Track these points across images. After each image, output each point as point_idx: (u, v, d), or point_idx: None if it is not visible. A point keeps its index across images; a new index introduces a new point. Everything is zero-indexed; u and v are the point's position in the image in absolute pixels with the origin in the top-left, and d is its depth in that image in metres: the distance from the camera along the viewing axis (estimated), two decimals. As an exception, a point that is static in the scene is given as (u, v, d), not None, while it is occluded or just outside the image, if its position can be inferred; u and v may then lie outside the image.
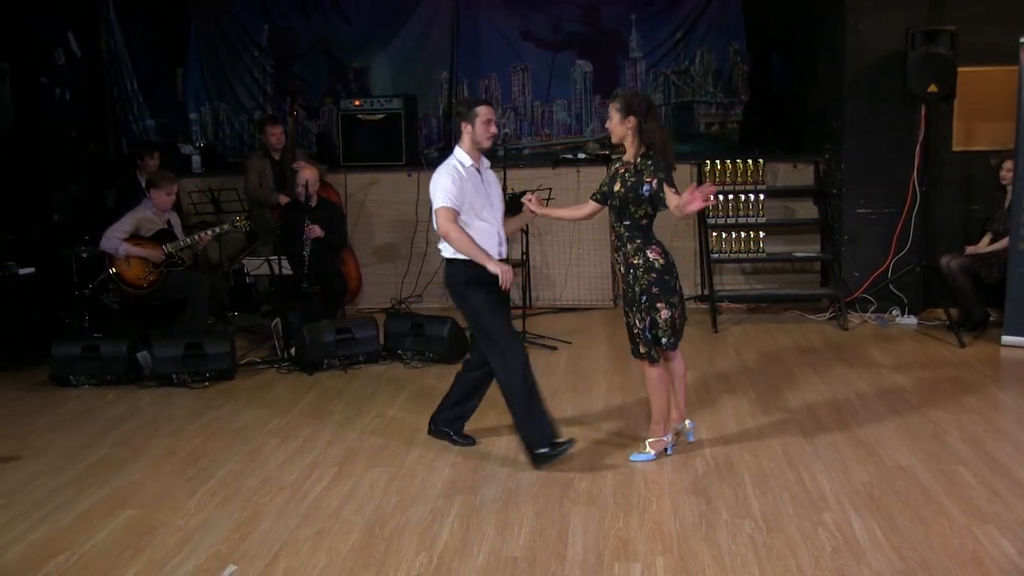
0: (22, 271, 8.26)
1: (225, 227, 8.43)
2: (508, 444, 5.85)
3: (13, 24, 9.16)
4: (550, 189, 9.06)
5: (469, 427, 5.95)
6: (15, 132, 8.05)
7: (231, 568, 4.41)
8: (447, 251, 5.52)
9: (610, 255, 9.30)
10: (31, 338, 8.16)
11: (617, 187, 5.37)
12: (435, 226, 5.47)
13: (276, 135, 9.20)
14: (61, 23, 10.05)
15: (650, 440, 5.56)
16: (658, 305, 5.31)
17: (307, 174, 8.36)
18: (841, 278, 8.89)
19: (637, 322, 5.39)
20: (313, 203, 8.43)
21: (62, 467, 5.77)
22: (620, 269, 5.51)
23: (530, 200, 5.74)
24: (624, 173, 5.39)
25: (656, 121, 5.33)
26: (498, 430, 6.04)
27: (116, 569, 4.44)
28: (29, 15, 9.44)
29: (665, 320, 5.34)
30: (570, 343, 8.29)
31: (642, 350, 5.44)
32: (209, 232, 8.27)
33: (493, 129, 5.55)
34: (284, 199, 8.85)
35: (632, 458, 5.54)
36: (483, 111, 5.51)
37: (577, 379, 7.20)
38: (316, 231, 8.19)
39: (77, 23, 10.29)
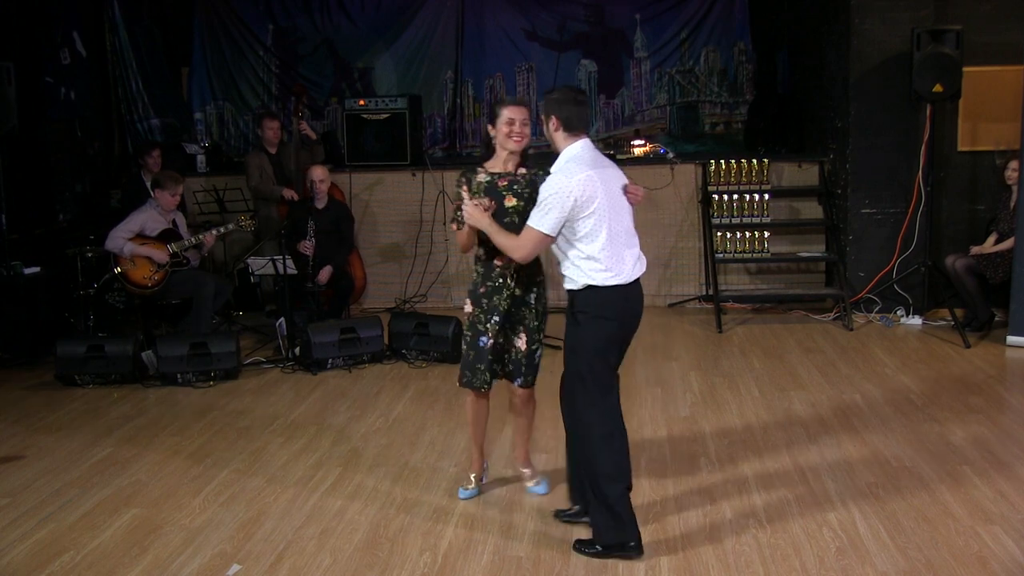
0: (27, 271, 8.27)
1: (230, 227, 8.44)
2: (510, 445, 5.85)
3: (18, 24, 9.18)
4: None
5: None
6: (20, 132, 8.06)
7: (235, 567, 4.42)
8: None
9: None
10: (36, 337, 8.18)
11: (515, 203, 4.77)
12: None
13: (273, 129, 9.23)
14: (66, 23, 10.08)
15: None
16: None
17: (318, 172, 8.37)
18: (846, 278, 8.88)
19: (526, 345, 4.92)
20: (322, 204, 8.45)
21: (67, 466, 5.79)
22: (514, 290, 4.84)
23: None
24: (515, 186, 4.81)
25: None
26: (502, 430, 6.04)
27: (121, 568, 4.46)
28: (34, 15, 9.46)
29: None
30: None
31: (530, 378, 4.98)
32: (213, 232, 8.28)
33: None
34: (290, 193, 8.86)
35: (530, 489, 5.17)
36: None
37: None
38: (326, 275, 8.38)
39: (82, 23, 10.32)
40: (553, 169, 4.49)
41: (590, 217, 4.32)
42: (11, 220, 8.06)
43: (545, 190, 4.35)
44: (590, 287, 4.40)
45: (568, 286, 4.49)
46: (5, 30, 8.99)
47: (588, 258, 4.37)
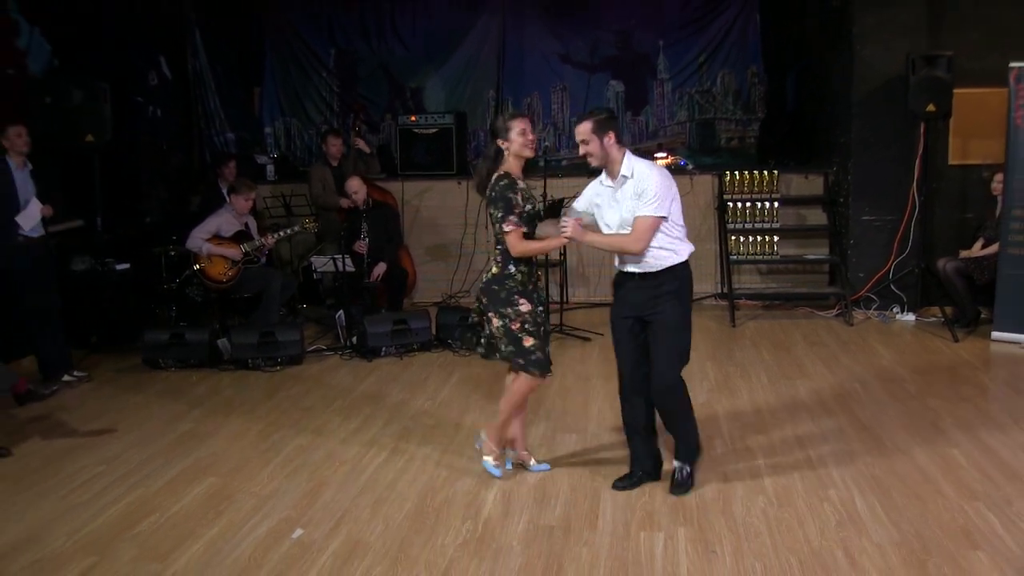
0: (119, 267, 8.39)
1: (296, 228, 8.52)
2: (544, 426, 5.89)
3: (113, 49, 9.32)
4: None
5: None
6: (114, 144, 8.18)
7: (299, 531, 4.47)
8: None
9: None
10: (126, 326, 8.28)
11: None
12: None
13: (337, 145, 9.32)
14: (154, 48, 10.21)
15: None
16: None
17: (351, 185, 8.42)
18: (847, 278, 8.82)
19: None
20: (368, 205, 8.51)
21: (152, 439, 5.88)
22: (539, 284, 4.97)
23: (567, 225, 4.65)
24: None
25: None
26: (536, 413, 6.06)
27: (199, 529, 4.53)
28: (126, 42, 9.61)
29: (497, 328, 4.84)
30: (602, 335, 8.27)
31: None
32: (273, 236, 8.36)
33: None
34: (347, 202, 8.94)
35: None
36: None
37: (609, 367, 7.17)
38: (381, 270, 8.38)
39: (167, 49, 10.44)
40: (633, 170, 4.57)
41: (676, 200, 4.60)
42: (105, 222, 8.19)
43: (650, 182, 4.49)
44: (683, 262, 4.64)
45: (667, 263, 4.59)
46: (103, 55, 9.13)
47: (678, 238, 4.60)
